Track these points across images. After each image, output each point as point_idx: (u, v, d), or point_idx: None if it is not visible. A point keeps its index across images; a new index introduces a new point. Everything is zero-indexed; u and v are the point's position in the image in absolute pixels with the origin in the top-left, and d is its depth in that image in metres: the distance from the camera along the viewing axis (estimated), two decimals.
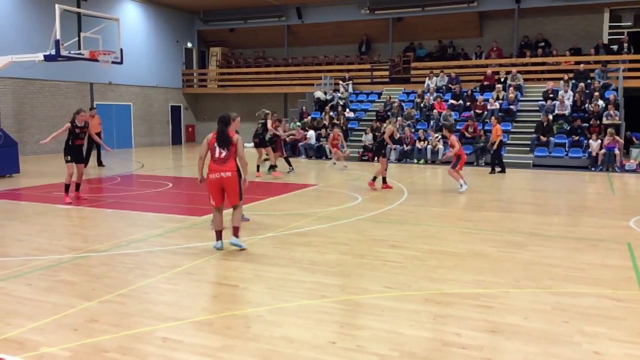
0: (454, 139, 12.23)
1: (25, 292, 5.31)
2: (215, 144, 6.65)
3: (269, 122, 14.81)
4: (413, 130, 20.04)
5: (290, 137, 20.94)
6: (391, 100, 22.12)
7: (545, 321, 4.60)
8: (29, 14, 20.85)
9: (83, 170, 10.76)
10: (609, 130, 17.10)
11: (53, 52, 14.38)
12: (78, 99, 22.97)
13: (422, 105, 21.51)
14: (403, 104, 21.94)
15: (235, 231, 6.84)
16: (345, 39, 27.25)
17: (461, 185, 11.98)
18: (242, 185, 6.82)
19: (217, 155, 6.64)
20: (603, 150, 16.85)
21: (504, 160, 16.41)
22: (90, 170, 16.21)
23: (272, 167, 14.96)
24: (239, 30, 29.01)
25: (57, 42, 14.18)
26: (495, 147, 15.90)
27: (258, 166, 14.85)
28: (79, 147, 10.52)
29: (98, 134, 16.73)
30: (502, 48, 23.97)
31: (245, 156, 6.92)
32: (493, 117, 16.80)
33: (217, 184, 6.67)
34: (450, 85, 22.18)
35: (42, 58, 14.78)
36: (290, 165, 15.62)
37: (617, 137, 17.01)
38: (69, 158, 10.35)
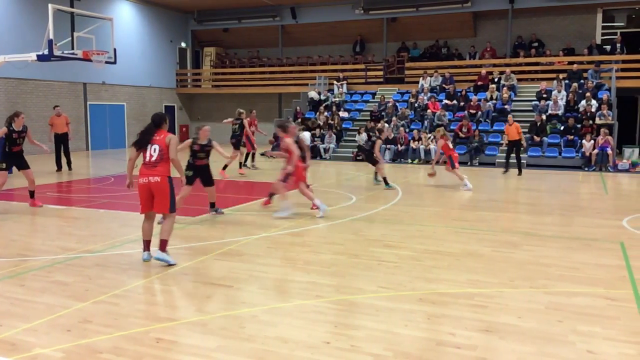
0: (288, 142, 8.98)
1: (19, 292, 5.28)
2: (152, 146, 6.12)
3: (246, 122, 14.99)
4: (407, 130, 20.07)
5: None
6: (385, 100, 22.14)
7: (540, 321, 4.61)
8: (21, 13, 20.74)
9: (32, 176, 9.79)
10: (602, 130, 17.17)
11: (46, 51, 14.32)
12: (71, 99, 22.87)
13: (416, 105, 21.54)
14: (397, 104, 21.96)
15: (162, 245, 6.15)
16: (340, 39, 27.25)
17: (283, 210, 8.93)
18: (174, 192, 6.22)
19: (147, 158, 6.11)
20: (596, 150, 16.92)
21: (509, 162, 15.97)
22: (83, 170, 16.14)
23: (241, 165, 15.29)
24: (233, 30, 28.96)
25: (50, 42, 14.12)
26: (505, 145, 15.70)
27: (226, 165, 14.08)
28: (17, 154, 9.67)
29: (66, 134, 16.15)
30: (496, 48, 24.03)
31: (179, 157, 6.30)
32: (510, 116, 16.21)
33: (145, 189, 6.11)
34: (444, 86, 22.21)
35: (35, 58, 14.71)
36: (253, 160, 16.30)
37: (609, 137, 17.08)
38: (3, 166, 9.50)
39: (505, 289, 5.44)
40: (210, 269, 6.12)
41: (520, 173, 15.47)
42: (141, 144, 6.17)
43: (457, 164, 12.75)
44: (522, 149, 15.78)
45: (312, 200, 9.23)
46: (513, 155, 15.75)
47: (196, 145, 8.55)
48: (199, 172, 8.71)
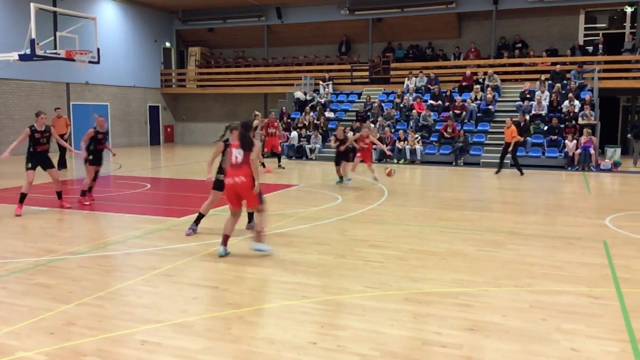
0: None
1: (0, 295, 5.20)
2: (233, 149, 6.54)
3: (256, 122, 15.69)
4: (393, 130, 20.13)
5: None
6: (371, 100, 22.20)
7: (524, 319, 4.65)
8: (3, 12, 20.46)
9: (57, 176, 9.84)
10: (585, 130, 17.37)
11: (28, 51, 14.16)
12: (54, 99, 22.62)
13: (401, 105, 21.62)
14: (383, 104, 22.03)
15: (259, 236, 6.70)
16: (325, 39, 27.27)
17: None
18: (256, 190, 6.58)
19: (233, 160, 6.53)
20: (579, 150, 17.12)
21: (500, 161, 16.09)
22: (66, 171, 15.97)
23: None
24: (218, 30, 28.85)
25: (32, 42, 13.97)
26: (511, 148, 15.59)
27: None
28: (42, 153, 9.56)
29: (64, 135, 16.27)
30: (480, 49, 24.20)
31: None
32: (508, 119, 16.09)
33: (232, 190, 6.54)
34: (429, 86, 22.32)
35: (17, 57, 14.54)
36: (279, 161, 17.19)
37: (593, 137, 17.29)
38: (29, 165, 9.46)
39: (490, 288, 5.48)
40: (195, 270, 6.09)
41: (521, 173, 15.48)
42: (249, 147, 6.50)
43: (356, 160, 13.27)
44: (509, 150, 15.77)
45: None
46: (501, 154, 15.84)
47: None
48: None
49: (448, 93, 21.49)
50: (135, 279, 5.72)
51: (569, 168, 17.25)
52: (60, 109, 17.26)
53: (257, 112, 16.44)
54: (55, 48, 15.28)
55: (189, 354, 3.96)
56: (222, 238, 6.64)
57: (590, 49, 22.53)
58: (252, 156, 6.49)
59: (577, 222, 8.95)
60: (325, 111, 22.57)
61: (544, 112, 19.43)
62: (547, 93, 19.97)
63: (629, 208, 10.25)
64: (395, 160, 19.03)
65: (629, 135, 18.78)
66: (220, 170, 7.70)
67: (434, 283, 5.62)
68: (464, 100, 20.67)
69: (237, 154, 6.50)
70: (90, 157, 10.35)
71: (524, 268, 6.19)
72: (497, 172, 15.87)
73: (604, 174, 16.28)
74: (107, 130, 10.68)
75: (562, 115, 18.89)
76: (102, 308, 4.87)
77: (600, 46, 22.01)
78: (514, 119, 16.51)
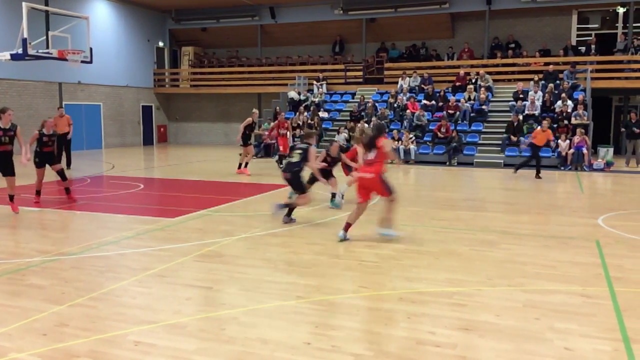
0: None
1: None
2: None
3: (249, 120, 15.71)
4: (387, 130, 20.13)
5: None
6: (365, 100, 22.21)
7: (518, 318, 4.66)
8: None
9: (14, 183, 9.19)
10: (579, 130, 17.45)
11: (20, 51, 14.06)
12: (47, 98, 22.51)
13: (395, 105, 21.64)
14: (377, 104, 22.04)
15: (385, 222, 7.34)
16: (319, 39, 27.26)
17: None
18: (386, 182, 7.31)
19: (367, 158, 7.35)
20: (572, 150, 17.19)
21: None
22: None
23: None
24: (212, 30, 28.78)
25: (24, 41, 13.88)
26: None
27: (240, 164, 15.54)
28: (3, 154, 8.90)
29: (67, 134, 16.34)
30: (474, 49, 24.26)
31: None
32: (545, 122, 15.52)
33: (362, 183, 7.33)
34: (423, 86, 22.35)
35: (9, 57, 14.44)
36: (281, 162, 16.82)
37: (585, 137, 17.37)
38: None
39: (484, 288, 5.49)
40: (189, 271, 6.07)
41: (515, 172, 15.29)
42: (371, 147, 7.30)
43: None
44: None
45: None
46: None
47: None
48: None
49: (442, 93, 21.54)
50: (129, 280, 5.70)
51: (562, 168, 17.32)
52: (62, 108, 17.40)
53: (254, 110, 16.69)
54: (47, 47, 15.18)
55: (182, 355, 3.95)
56: (345, 224, 7.36)
57: (583, 49, 22.62)
58: (386, 156, 7.33)
59: (570, 221, 8.99)
60: (319, 111, 22.56)
61: (537, 112, 19.49)
62: (540, 93, 20.04)
63: (622, 207, 10.31)
64: (389, 160, 18.99)
65: (622, 129, 18.91)
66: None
67: (427, 283, 5.63)
68: (458, 100, 20.72)
69: (369, 153, 7.32)
70: (36, 159, 10.18)
71: (518, 267, 6.21)
72: (538, 177, 14.81)
73: (597, 173, 16.36)
74: (53, 132, 10.53)
75: (555, 115, 18.96)
76: (95, 309, 4.85)
77: (593, 46, 22.10)
78: (511, 120, 16.43)
